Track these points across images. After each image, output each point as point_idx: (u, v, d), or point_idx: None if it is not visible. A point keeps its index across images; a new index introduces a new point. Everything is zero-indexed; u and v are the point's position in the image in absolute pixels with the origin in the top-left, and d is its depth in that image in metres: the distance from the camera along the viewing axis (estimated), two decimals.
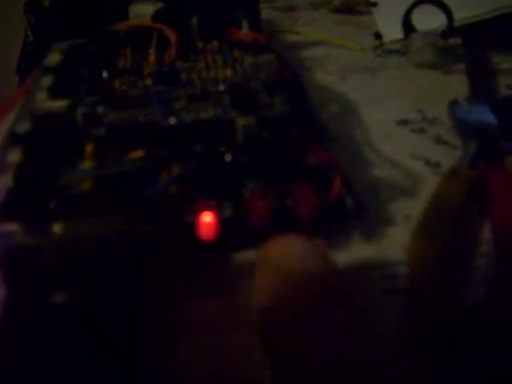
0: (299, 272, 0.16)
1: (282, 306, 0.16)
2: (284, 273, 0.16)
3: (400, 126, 0.30)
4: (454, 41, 0.38)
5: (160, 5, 0.34)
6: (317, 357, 0.14)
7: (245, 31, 0.34)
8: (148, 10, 0.35)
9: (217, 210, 0.19)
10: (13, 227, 0.20)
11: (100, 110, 0.26)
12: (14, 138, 0.25)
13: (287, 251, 0.17)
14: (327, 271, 0.17)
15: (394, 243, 0.22)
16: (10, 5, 0.89)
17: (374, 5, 0.48)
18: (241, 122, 0.23)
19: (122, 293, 0.16)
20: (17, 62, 0.91)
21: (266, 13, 0.43)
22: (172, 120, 0.24)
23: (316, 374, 0.14)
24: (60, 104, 0.28)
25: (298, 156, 0.22)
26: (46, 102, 0.28)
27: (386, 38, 0.41)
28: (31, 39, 0.89)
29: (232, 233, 0.20)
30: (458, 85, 0.34)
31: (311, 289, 0.16)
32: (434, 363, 0.17)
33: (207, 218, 0.19)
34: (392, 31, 0.41)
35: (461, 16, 0.38)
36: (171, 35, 0.32)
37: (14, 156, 0.24)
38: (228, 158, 0.22)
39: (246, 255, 0.20)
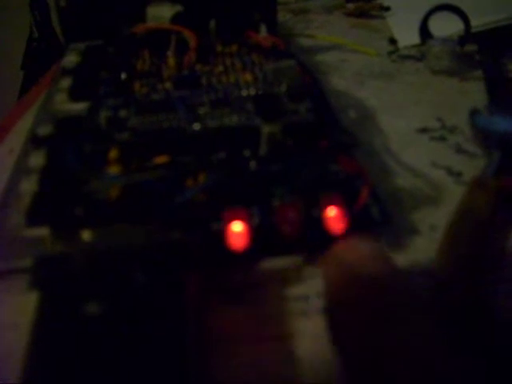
0: (368, 271, 0.16)
1: (350, 300, 0.16)
2: (354, 270, 0.17)
3: (419, 133, 0.30)
4: (470, 47, 0.38)
5: (179, 7, 0.34)
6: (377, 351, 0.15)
7: (263, 35, 0.34)
8: (165, 12, 0.34)
9: (247, 219, 0.19)
10: (41, 232, 0.20)
11: (123, 113, 0.25)
12: (35, 141, 0.25)
13: (357, 251, 0.17)
14: (392, 273, 0.17)
15: (420, 253, 0.22)
16: (14, 1, 0.89)
17: (387, 9, 0.48)
18: (266, 129, 0.23)
19: (159, 303, 0.16)
20: (21, 57, 0.91)
21: (279, 16, 0.43)
22: (196, 126, 0.24)
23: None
24: (81, 106, 0.27)
25: (326, 164, 0.22)
26: (66, 104, 0.28)
27: (401, 44, 0.41)
28: (36, 35, 0.88)
29: (261, 241, 0.20)
30: (475, 92, 0.34)
31: (378, 287, 0.16)
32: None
33: (237, 227, 0.19)
34: (407, 36, 0.41)
35: (477, 22, 0.38)
36: (190, 38, 0.32)
37: (37, 159, 0.24)
38: (254, 165, 0.22)
39: (274, 263, 0.20)
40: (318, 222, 0.20)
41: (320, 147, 0.23)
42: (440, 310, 0.19)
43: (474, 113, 0.28)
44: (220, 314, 0.19)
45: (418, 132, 0.30)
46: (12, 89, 0.85)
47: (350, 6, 0.48)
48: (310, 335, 0.18)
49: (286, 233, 0.20)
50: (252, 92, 0.27)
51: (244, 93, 0.27)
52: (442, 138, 0.29)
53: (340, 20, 0.47)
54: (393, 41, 0.41)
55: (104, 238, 0.19)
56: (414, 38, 0.39)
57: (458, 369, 0.15)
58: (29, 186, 0.23)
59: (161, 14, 0.34)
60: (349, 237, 0.18)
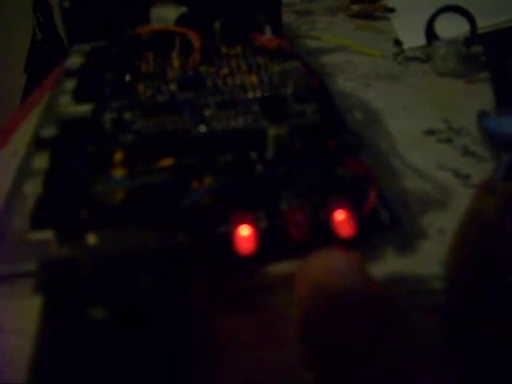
0: (338, 287, 0.16)
1: (321, 320, 0.15)
2: (323, 288, 0.16)
3: (426, 135, 0.30)
4: (476, 48, 0.38)
5: (183, 9, 0.33)
6: (355, 370, 0.14)
7: (268, 36, 0.33)
8: (170, 13, 0.34)
9: (254, 222, 0.19)
10: (46, 236, 0.20)
11: (127, 115, 0.25)
12: (39, 143, 0.25)
13: (327, 266, 0.17)
14: (365, 287, 0.16)
15: (429, 257, 0.21)
16: (17, 3, 0.89)
17: (392, 10, 0.48)
18: (273, 131, 0.23)
19: (165, 307, 0.16)
20: (24, 59, 0.91)
21: (283, 17, 0.43)
22: (202, 128, 0.24)
23: None
24: (85, 108, 0.27)
25: (334, 167, 0.21)
26: (70, 106, 0.28)
27: (406, 45, 0.40)
28: (39, 37, 0.88)
29: (268, 245, 0.19)
30: (481, 93, 0.33)
31: (349, 304, 0.16)
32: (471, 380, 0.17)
33: (245, 231, 0.19)
34: (412, 38, 0.41)
35: (483, 24, 0.38)
36: (195, 40, 0.31)
37: (41, 161, 0.24)
38: (260, 168, 0.22)
39: (282, 267, 0.20)
40: (326, 225, 0.20)
41: (327, 149, 0.22)
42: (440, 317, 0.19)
43: (481, 115, 0.28)
44: (226, 319, 0.19)
45: (424, 134, 0.30)
46: (15, 91, 0.85)
47: (355, 7, 0.48)
48: None
49: (293, 236, 0.19)
50: (258, 94, 0.27)
51: (250, 95, 0.27)
52: (449, 140, 0.29)
53: (344, 21, 0.47)
54: (398, 42, 0.41)
55: (109, 241, 0.19)
56: (419, 40, 0.39)
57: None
58: (33, 189, 0.22)
59: (165, 16, 0.34)
60: (321, 250, 0.17)
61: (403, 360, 0.15)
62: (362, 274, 0.17)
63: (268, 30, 0.34)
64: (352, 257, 0.17)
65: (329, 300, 0.16)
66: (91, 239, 0.19)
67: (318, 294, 0.16)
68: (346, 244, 0.20)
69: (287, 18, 0.47)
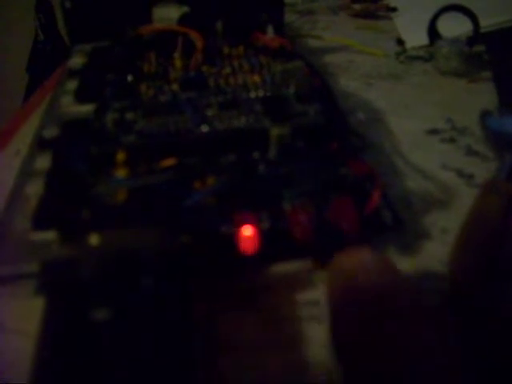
0: (369, 283, 0.16)
1: (351, 319, 0.16)
2: (354, 283, 0.16)
3: (429, 135, 0.29)
4: (478, 48, 0.38)
5: (185, 8, 0.33)
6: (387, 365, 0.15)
7: (270, 36, 0.33)
8: (172, 13, 0.34)
9: (257, 223, 0.19)
10: (48, 236, 0.20)
11: (129, 116, 0.25)
12: (41, 143, 0.25)
13: (358, 262, 0.17)
14: (395, 282, 0.17)
15: (432, 257, 0.21)
16: (19, 4, 0.89)
17: (394, 10, 0.48)
18: (275, 131, 0.23)
19: (167, 308, 0.16)
20: (26, 59, 0.91)
21: (285, 16, 0.43)
22: (204, 128, 0.24)
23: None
24: (87, 109, 0.27)
25: (337, 167, 0.21)
26: (72, 107, 0.28)
27: (409, 44, 0.40)
28: (42, 38, 0.88)
29: (271, 245, 0.19)
30: (484, 93, 0.33)
31: (379, 299, 0.16)
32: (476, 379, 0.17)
33: (247, 231, 0.19)
34: (414, 37, 0.41)
35: (485, 23, 0.38)
36: (197, 40, 0.31)
37: (43, 162, 0.24)
38: (263, 168, 0.22)
39: (285, 267, 0.20)
40: (329, 225, 0.20)
41: (330, 149, 0.22)
42: (448, 320, 0.19)
43: (484, 114, 0.28)
44: (229, 319, 0.19)
45: (427, 133, 0.30)
46: (17, 91, 0.86)
47: (357, 6, 0.48)
48: (321, 340, 0.18)
49: (296, 236, 0.19)
50: (260, 94, 0.27)
51: (252, 95, 0.26)
52: (452, 140, 0.29)
53: (346, 21, 0.47)
54: (400, 41, 0.41)
55: (111, 242, 0.19)
56: (422, 39, 0.39)
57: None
58: (35, 189, 0.22)
59: (167, 15, 0.34)
60: (352, 248, 0.17)
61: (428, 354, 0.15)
62: (391, 269, 0.17)
63: (270, 30, 0.34)
64: (381, 254, 0.18)
65: (360, 293, 0.16)
66: (93, 240, 0.19)
67: (350, 289, 0.16)
68: (351, 245, 0.20)
69: (289, 17, 0.47)
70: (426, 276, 0.21)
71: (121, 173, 0.22)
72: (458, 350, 0.17)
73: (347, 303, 0.16)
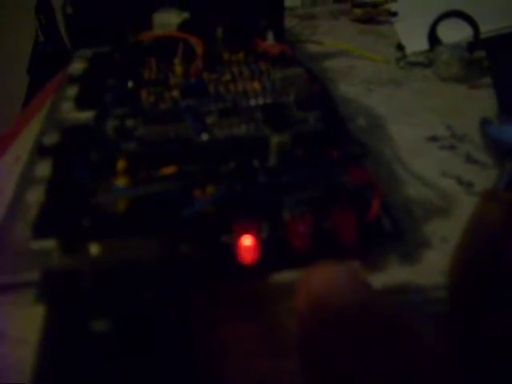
0: (337, 300, 0.16)
1: (320, 334, 0.15)
2: (322, 301, 0.16)
3: (429, 142, 0.29)
4: (479, 54, 0.38)
5: (185, 15, 0.33)
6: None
7: (270, 42, 0.33)
8: (172, 19, 0.34)
9: (256, 232, 0.19)
10: (48, 245, 0.20)
11: (130, 123, 0.25)
12: (42, 150, 0.25)
13: (326, 278, 0.16)
14: (365, 299, 0.16)
15: (432, 266, 0.21)
16: (20, 5, 0.89)
17: (394, 14, 0.48)
18: (275, 139, 0.23)
19: (167, 318, 0.16)
20: (27, 61, 0.91)
21: (285, 21, 0.43)
22: (204, 136, 0.24)
23: None
24: (87, 115, 0.27)
25: (337, 175, 0.21)
26: (72, 113, 0.28)
27: (409, 50, 0.40)
28: (42, 40, 0.88)
29: (271, 255, 0.19)
30: (484, 99, 0.33)
31: (348, 317, 0.15)
32: None
33: (247, 241, 0.19)
34: (414, 42, 0.41)
35: (486, 29, 0.38)
36: (197, 46, 0.31)
37: (43, 169, 0.24)
38: (263, 176, 0.22)
39: (284, 277, 0.20)
40: (329, 234, 0.20)
41: (330, 157, 0.22)
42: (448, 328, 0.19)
43: (484, 122, 0.28)
44: (228, 329, 0.19)
45: (427, 140, 0.30)
46: (18, 93, 0.86)
47: (357, 11, 0.48)
48: None
49: (296, 246, 0.19)
50: (260, 101, 0.27)
51: (252, 102, 0.26)
52: (452, 147, 0.29)
53: (347, 26, 0.47)
54: (400, 47, 0.41)
55: (111, 251, 0.19)
56: (422, 44, 0.39)
57: None
58: (35, 197, 0.22)
59: (167, 21, 0.34)
60: (321, 263, 0.17)
61: (406, 370, 0.15)
62: (361, 285, 0.16)
63: (270, 36, 0.34)
64: (351, 268, 0.17)
65: (328, 313, 0.15)
66: (94, 249, 0.19)
67: (318, 307, 0.16)
68: (350, 254, 0.20)
69: (289, 22, 0.47)
70: (426, 285, 0.21)
71: (121, 181, 0.22)
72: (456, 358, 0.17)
73: (316, 321, 0.15)
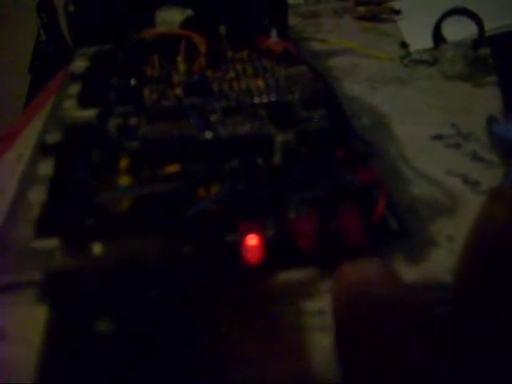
0: (376, 294, 0.16)
1: (360, 328, 0.15)
2: (361, 295, 0.16)
3: (434, 140, 0.29)
4: (483, 51, 0.37)
5: (188, 12, 0.33)
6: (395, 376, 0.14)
7: (274, 40, 0.33)
8: (175, 16, 0.34)
9: (262, 231, 0.19)
10: (51, 244, 0.20)
11: (133, 121, 0.25)
12: (44, 149, 0.25)
13: (363, 274, 0.17)
14: (402, 293, 0.16)
15: (438, 266, 0.21)
16: (21, 4, 0.89)
17: (398, 12, 0.47)
18: (280, 137, 0.22)
19: (171, 318, 0.16)
20: (29, 59, 0.91)
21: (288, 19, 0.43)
22: (208, 134, 0.24)
23: None
24: (89, 113, 0.27)
25: (343, 174, 0.21)
26: (74, 111, 0.28)
27: (413, 48, 0.40)
28: (44, 38, 0.88)
29: (276, 254, 0.19)
30: (489, 97, 0.33)
31: (387, 310, 0.16)
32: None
33: (252, 240, 0.19)
34: (418, 40, 0.40)
35: (490, 26, 0.38)
36: (201, 43, 0.31)
37: (45, 167, 0.24)
38: (268, 175, 0.21)
39: (289, 276, 0.20)
40: (335, 233, 0.20)
41: (336, 156, 0.22)
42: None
43: (491, 120, 0.28)
44: (233, 329, 0.18)
45: (432, 139, 0.29)
46: (19, 91, 0.85)
47: (361, 9, 0.48)
48: (326, 350, 0.18)
49: (301, 245, 0.19)
50: (264, 99, 0.26)
51: (256, 100, 0.26)
52: (457, 145, 0.29)
53: (350, 24, 0.47)
54: (404, 45, 0.41)
55: (115, 251, 0.19)
56: (426, 42, 0.38)
57: None
58: (37, 196, 0.22)
59: (170, 19, 0.34)
60: (358, 259, 0.17)
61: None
62: (397, 281, 0.17)
63: (274, 34, 0.33)
64: (387, 266, 0.17)
65: (366, 306, 0.16)
66: (97, 248, 0.19)
67: (357, 301, 0.16)
68: (357, 254, 0.19)
69: (292, 20, 0.46)
70: (433, 285, 0.21)
71: (124, 180, 0.22)
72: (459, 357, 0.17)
73: (355, 316, 0.16)
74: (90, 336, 0.16)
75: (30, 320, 0.19)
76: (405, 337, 0.15)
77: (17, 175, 0.25)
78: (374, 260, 0.17)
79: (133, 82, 0.29)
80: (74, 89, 0.30)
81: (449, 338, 0.16)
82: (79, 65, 0.32)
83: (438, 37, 0.36)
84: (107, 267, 0.18)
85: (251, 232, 0.19)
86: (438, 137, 0.29)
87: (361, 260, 0.17)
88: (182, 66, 0.31)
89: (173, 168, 0.22)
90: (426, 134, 0.30)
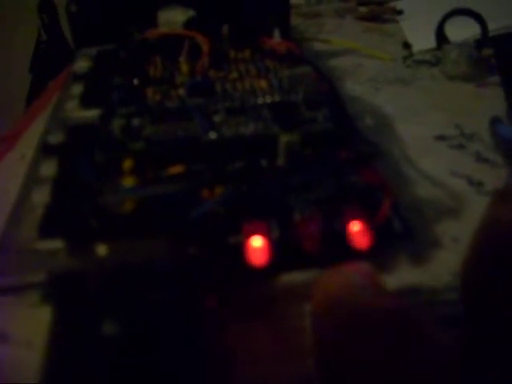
0: (355, 303, 0.15)
1: (338, 337, 0.15)
2: (339, 304, 0.15)
3: (438, 141, 0.29)
4: (487, 52, 0.37)
5: (190, 12, 0.33)
6: None
7: (277, 40, 0.33)
8: (177, 16, 0.34)
9: (266, 233, 0.19)
10: (54, 245, 0.20)
11: (136, 122, 0.25)
12: (47, 149, 0.25)
13: (342, 281, 0.16)
14: (382, 300, 0.16)
15: (444, 267, 0.21)
16: (22, 4, 0.89)
17: (400, 13, 0.47)
18: (284, 138, 0.22)
19: (176, 320, 0.16)
20: (29, 60, 0.91)
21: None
22: (213, 135, 0.23)
23: None
24: (92, 114, 0.27)
25: (347, 175, 0.21)
26: (77, 112, 0.28)
27: (416, 48, 0.40)
28: (44, 39, 0.88)
29: (280, 255, 0.19)
30: (492, 98, 0.33)
31: (367, 319, 0.15)
32: None
33: (257, 242, 0.18)
34: (421, 41, 0.40)
35: (494, 26, 0.38)
36: (204, 43, 0.31)
37: (48, 168, 0.24)
38: (272, 176, 0.21)
39: (294, 278, 0.20)
40: (340, 235, 0.20)
41: (340, 157, 0.22)
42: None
43: (494, 121, 0.28)
44: (238, 331, 0.18)
45: (435, 139, 0.29)
46: (20, 92, 0.85)
47: (362, 9, 0.48)
48: None
49: (306, 247, 0.19)
50: (268, 100, 0.26)
51: (260, 100, 0.26)
52: (461, 146, 0.29)
53: (352, 24, 0.47)
54: (407, 45, 0.41)
55: (119, 252, 0.19)
56: (429, 42, 0.38)
57: None
58: (41, 197, 0.22)
59: (173, 19, 0.34)
60: (335, 266, 0.17)
61: (426, 373, 0.15)
62: (377, 287, 0.16)
63: (276, 34, 0.33)
64: (366, 270, 0.17)
65: (347, 316, 0.15)
66: (101, 250, 0.19)
67: (335, 310, 0.15)
68: (361, 256, 0.19)
69: (294, 20, 0.46)
70: (438, 286, 0.20)
71: (128, 181, 0.22)
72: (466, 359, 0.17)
73: (334, 325, 0.15)
74: (94, 338, 0.16)
75: (32, 322, 0.18)
76: (388, 346, 0.15)
77: (19, 175, 0.25)
78: (354, 266, 0.16)
79: (136, 81, 0.29)
80: (77, 89, 0.30)
81: (445, 347, 0.16)
82: (81, 65, 0.32)
83: (440, 37, 0.36)
84: (111, 269, 0.18)
85: (256, 233, 0.19)
86: (442, 137, 0.29)
87: (340, 267, 0.16)
88: (184, 67, 0.31)
89: (177, 169, 0.22)
90: (429, 134, 0.30)
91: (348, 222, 0.19)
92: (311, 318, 0.16)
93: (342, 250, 0.19)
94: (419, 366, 0.14)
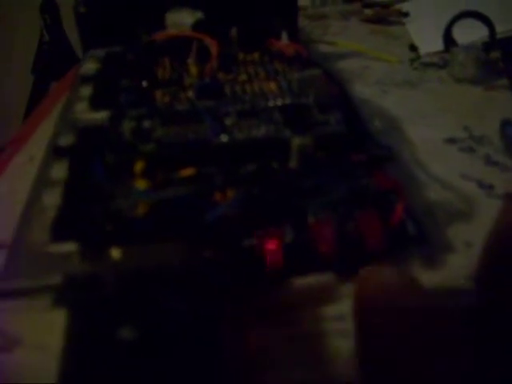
0: (396, 301, 0.16)
1: (382, 336, 0.15)
2: (382, 304, 0.16)
3: (447, 144, 0.29)
4: (495, 54, 0.37)
5: (198, 14, 0.33)
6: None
7: (285, 42, 0.33)
8: (185, 18, 0.34)
9: (280, 236, 0.19)
10: (67, 248, 0.19)
11: (147, 124, 0.25)
12: (57, 151, 0.25)
13: (381, 282, 0.16)
14: (422, 300, 0.16)
15: (457, 271, 0.21)
16: (24, 5, 0.89)
17: (406, 15, 0.47)
18: (296, 141, 0.22)
19: (191, 325, 0.16)
20: (31, 60, 0.91)
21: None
22: (224, 138, 0.23)
23: None
24: (102, 116, 0.27)
25: (361, 178, 0.21)
26: (86, 114, 0.28)
27: (423, 50, 0.40)
28: (47, 39, 0.88)
29: (295, 259, 0.19)
30: (501, 100, 0.33)
31: (408, 317, 0.15)
32: None
33: (272, 245, 0.18)
34: (428, 43, 0.40)
35: (501, 29, 0.38)
36: (212, 46, 0.31)
37: (59, 170, 0.24)
38: (285, 179, 0.21)
39: (309, 281, 0.20)
40: (354, 238, 0.19)
41: (353, 160, 0.22)
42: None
43: (505, 124, 0.28)
44: (255, 335, 0.18)
45: (445, 142, 0.29)
46: (22, 92, 0.85)
47: (368, 11, 0.48)
48: (347, 355, 0.18)
49: (321, 250, 0.19)
50: (279, 102, 0.26)
51: (270, 103, 0.26)
52: (471, 149, 0.29)
53: (358, 26, 0.47)
54: (413, 47, 0.41)
55: (134, 256, 0.18)
56: (436, 45, 0.38)
57: None
58: (52, 199, 0.22)
59: (180, 21, 0.34)
60: (371, 268, 0.17)
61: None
62: (416, 288, 0.17)
63: (284, 36, 0.33)
64: (403, 272, 0.17)
65: (393, 316, 0.15)
66: (115, 253, 0.18)
67: (379, 299, 0.16)
68: (375, 258, 0.19)
69: (300, 22, 0.46)
70: (451, 290, 0.20)
71: (140, 184, 0.21)
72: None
73: (377, 324, 0.15)
74: (109, 342, 0.15)
75: (46, 325, 0.18)
76: (430, 349, 0.15)
77: (28, 177, 0.25)
78: (391, 267, 0.17)
79: (144, 84, 0.29)
80: (85, 91, 0.30)
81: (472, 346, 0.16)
82: (89, 67, 0.32)
83: (448, 40, 0.36)
84: (126, 273, 0.18)
85: (270, 237, 0.19)
86: (451, 140, 0.29)
87: (379, 267, 0.17)
88: (193, 69, 0.31)
89: (188, 172, 0.22)
90: (438, 137, 0.29)
91: (362, 225, 0.19)
92: (353, 319, 0.16)
93: (356, 253, 0.19)
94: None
